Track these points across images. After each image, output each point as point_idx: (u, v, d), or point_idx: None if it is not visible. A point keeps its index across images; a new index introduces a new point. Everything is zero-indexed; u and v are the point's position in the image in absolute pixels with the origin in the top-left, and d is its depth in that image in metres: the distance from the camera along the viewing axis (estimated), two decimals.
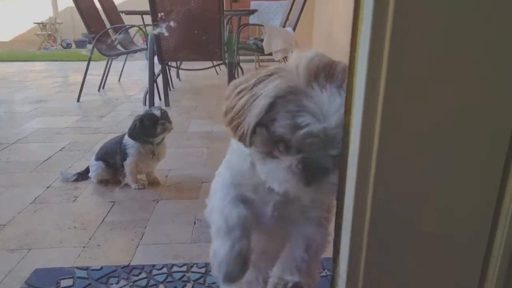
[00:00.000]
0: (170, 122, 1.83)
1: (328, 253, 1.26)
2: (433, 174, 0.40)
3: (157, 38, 2.96)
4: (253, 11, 4.35)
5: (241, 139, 0.64)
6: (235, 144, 0.73)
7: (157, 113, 1.79)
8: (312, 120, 0.55)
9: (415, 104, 0.38)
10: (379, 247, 0.42)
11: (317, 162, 0.58)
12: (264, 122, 0.61)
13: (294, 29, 4.38)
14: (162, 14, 2.81)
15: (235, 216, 0.71)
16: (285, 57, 4.45)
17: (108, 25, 4.26)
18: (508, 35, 0.36)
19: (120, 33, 4.20)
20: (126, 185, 1.89)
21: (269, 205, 0.73)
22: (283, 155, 0.60)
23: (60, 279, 1.18)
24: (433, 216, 0.41)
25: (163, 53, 3.04)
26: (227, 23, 3.56)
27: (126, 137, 1.85)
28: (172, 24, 2.77)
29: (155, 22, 2.79)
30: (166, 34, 2.79)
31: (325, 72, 0.59)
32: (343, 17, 5.80)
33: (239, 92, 0.65)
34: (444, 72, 0.37)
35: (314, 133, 0.56)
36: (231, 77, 3.22)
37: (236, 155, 0.75)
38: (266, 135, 0.61)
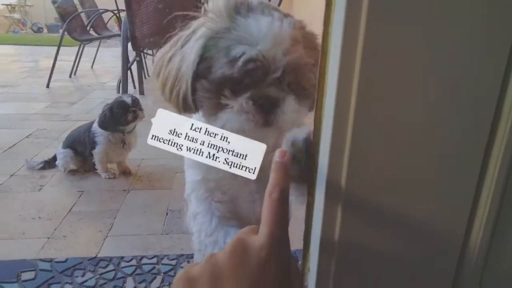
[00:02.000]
0: (141, 109, 1.77)
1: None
2: (405, 186, 0.37)
3: (131, 23, 2.85)
4: None
5: (185, 104, 0.61)
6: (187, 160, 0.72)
7: (128, 100, 1.73)
8: (245, 47, 0.54)
9: (388, 107, 0.35)
10: (348, 263, 0.39)
11: (266, 92, 0.56)
12: (202, 75, 0.58)
13: None
14: None
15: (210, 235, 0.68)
16: None
17: (80, 8, 4.10)
18: (487, 29, 0.34)
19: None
20: (96, 174, 1.82)
21: (246, 194, 0.70)
22: (231, 100, 0.57)
23: (21, 272, 1.12)
24: (402, 233, 0.39)
25: (137, 39, 2.94)
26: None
27: (95, 124, 1.78)
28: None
29: None
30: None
31: (243, 6, 0.59)
32: (322, 14, 5.79)
33: (169, 59, 0.62)
34: (416, 65, 0.34)
35: (252, 58, 0.54)
36: None
37: (190, 170, 0.72)
38: (207, 85, 0.58)
